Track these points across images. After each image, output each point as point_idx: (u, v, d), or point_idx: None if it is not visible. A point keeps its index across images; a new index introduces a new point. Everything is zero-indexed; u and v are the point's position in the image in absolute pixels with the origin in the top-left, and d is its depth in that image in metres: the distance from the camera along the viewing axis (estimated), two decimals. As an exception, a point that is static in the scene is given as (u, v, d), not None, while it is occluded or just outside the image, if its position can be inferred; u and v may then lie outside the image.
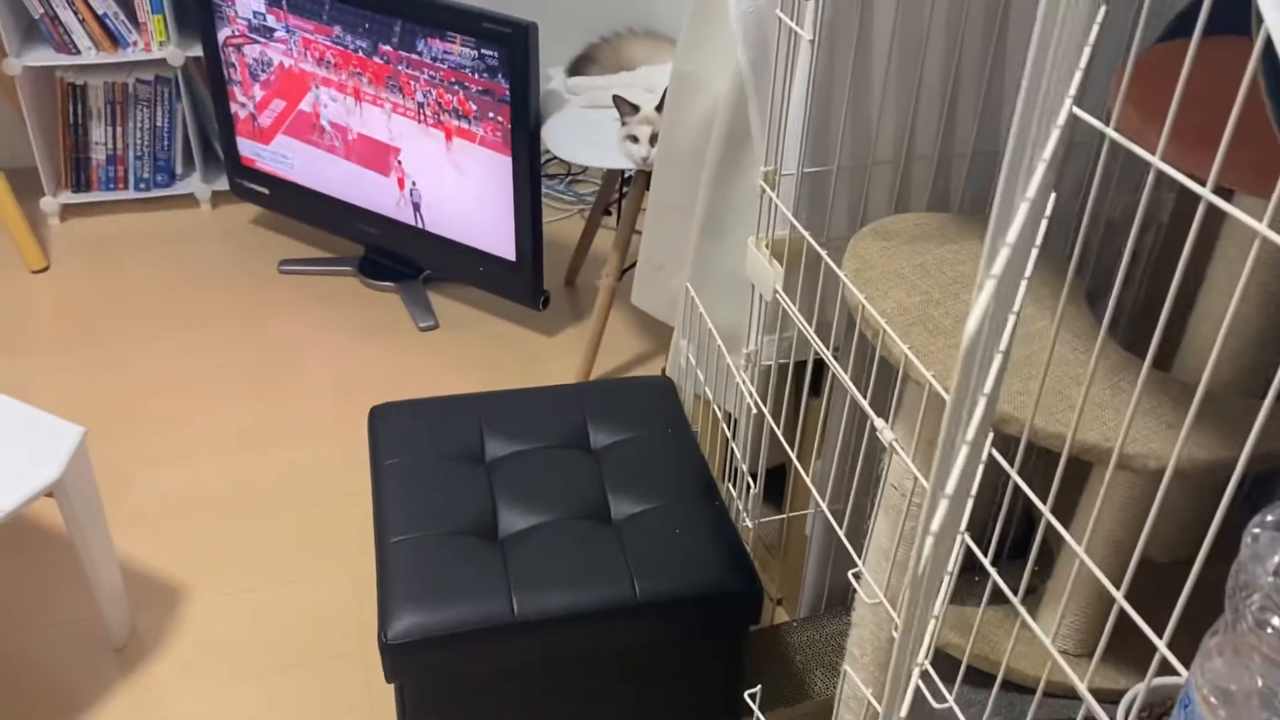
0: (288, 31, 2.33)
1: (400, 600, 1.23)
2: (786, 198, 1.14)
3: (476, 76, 2.10)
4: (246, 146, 2.56)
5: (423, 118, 2.23)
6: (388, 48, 2.20)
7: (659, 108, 1.89)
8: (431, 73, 2.16)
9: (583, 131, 2.09)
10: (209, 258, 2.61)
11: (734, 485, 1.45)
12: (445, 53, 2.13)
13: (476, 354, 2.34)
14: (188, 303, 2.45)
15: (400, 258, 2.52)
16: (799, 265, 1.14)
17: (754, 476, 1.35)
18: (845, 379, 1.01)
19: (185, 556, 1.84)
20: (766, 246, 1.16)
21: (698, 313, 1.55)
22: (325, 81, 2.34)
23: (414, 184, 2.33)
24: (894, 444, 0.95)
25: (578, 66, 2.29)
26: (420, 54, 2.16)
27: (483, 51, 2.07)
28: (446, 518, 1.33)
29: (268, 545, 1.87)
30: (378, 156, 2.35)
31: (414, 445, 1.43)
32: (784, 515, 1.56)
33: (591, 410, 1.50)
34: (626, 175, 2.35)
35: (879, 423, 0.95)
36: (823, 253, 1.06)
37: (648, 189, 1.81)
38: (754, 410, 1.33)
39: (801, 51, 1.01)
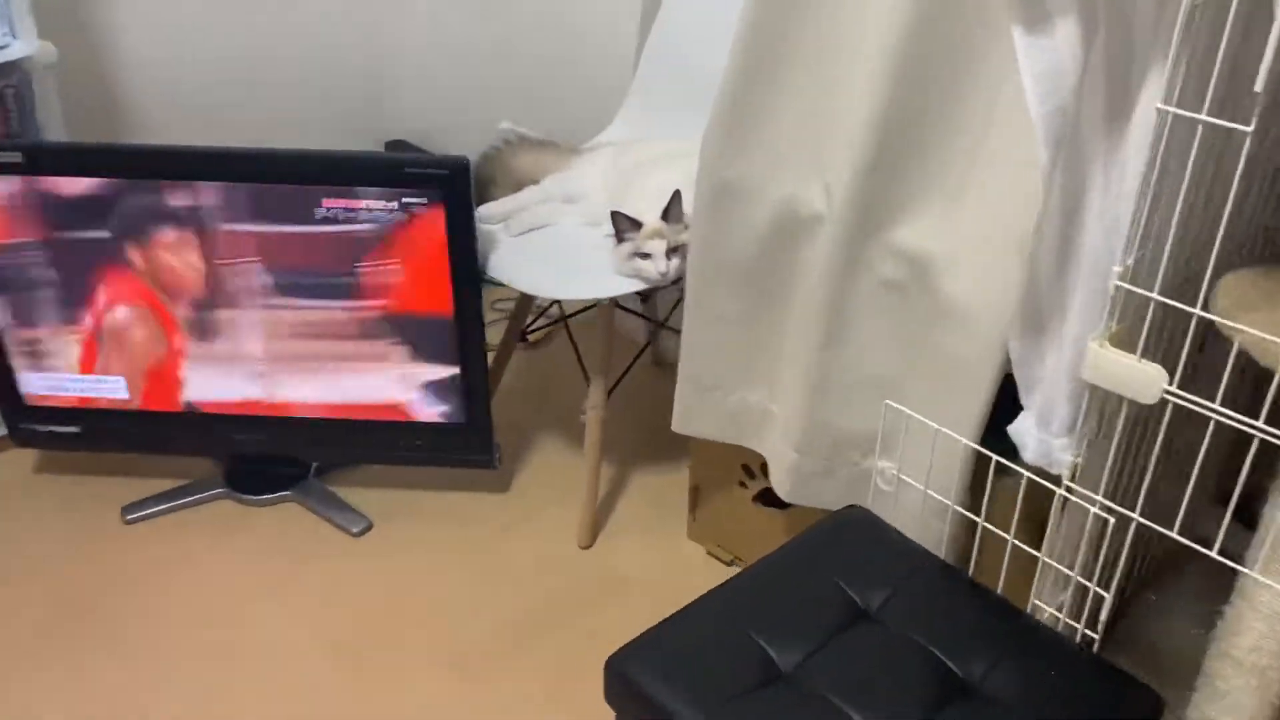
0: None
1: (654, 644, 1.20)
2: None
3: (391, 233, 1.78)
4: (35, 381, 1.97)
5: (328, 293, 1.85)
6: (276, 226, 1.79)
7: (664, 217, 1.72)
8: (332, 241, 1.80)
9: (547, 262, 1.85)
10: (17, 529, 1.99)
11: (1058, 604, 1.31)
12: (348, 213, 1.78)
13: (441, 543, 2.00)
14: (27, 597, 1.85)
15: (287, 458, 2.08)
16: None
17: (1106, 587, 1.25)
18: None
19: None
20: (1115, 346, 1.09)
21: (913, 425, 1.43)
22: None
23: (319, 366, 1.93)
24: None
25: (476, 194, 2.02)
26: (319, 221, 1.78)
27: (404, 201, 1.76)
28: (768, 621, 1.22)
29: None
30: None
31: (695, 686, 1.18)
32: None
33: (832, 571, 1.33)
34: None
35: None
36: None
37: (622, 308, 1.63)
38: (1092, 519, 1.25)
39: (1236, 145, 0.94)
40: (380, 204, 1.77)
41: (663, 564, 1.96)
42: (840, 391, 1.53)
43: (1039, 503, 1.29)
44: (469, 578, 1.92)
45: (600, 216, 1.93)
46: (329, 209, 1.77)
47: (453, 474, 2.12)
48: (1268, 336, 1.00)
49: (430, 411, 1.95)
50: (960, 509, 1.40)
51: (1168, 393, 1.07)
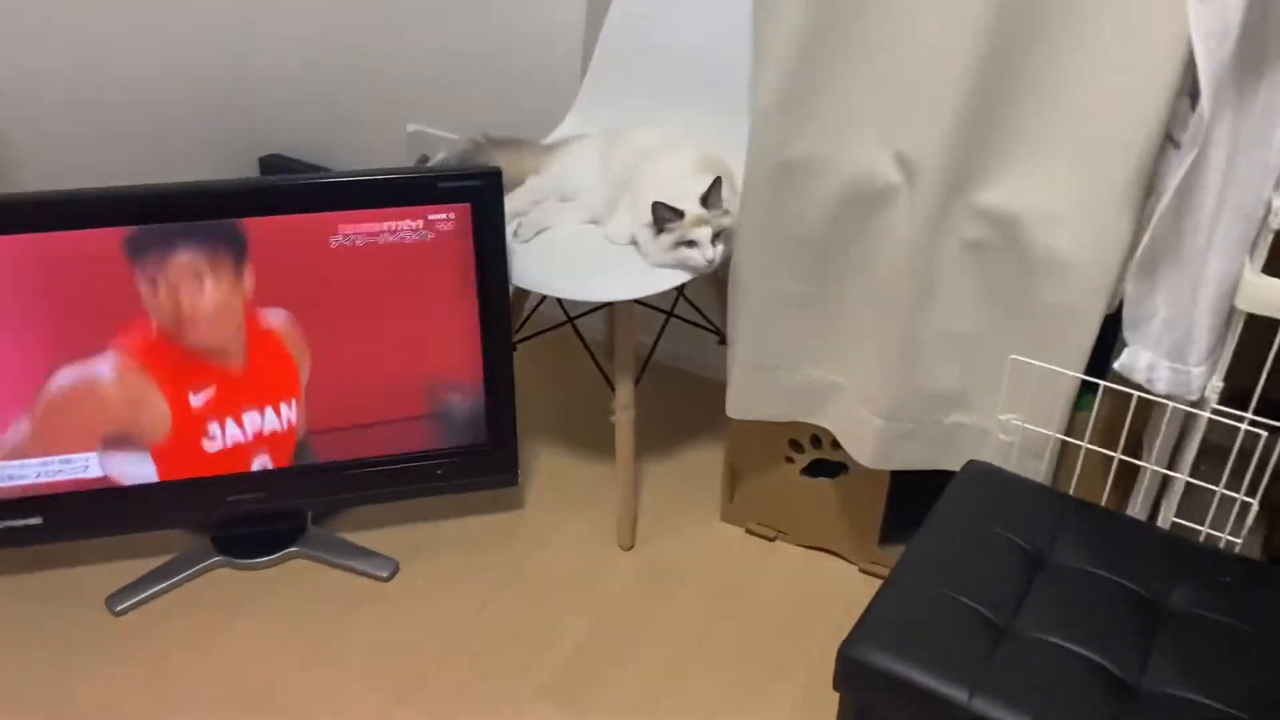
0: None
1: (877, 624, 1.24)
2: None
3: (420, 255, 1.66)
4: (-14, 475, 1.70)
5: (345, 324, 1.71)
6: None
7: (704, 202, 1.70)
8: (351, 268, 1.66)
9: (574, 265, 1.79)
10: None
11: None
12: (369, 237, 1.65)
13: (478, 570, 1.90)
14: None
15: (285, 512, 1.91)
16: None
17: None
18: None
19: None
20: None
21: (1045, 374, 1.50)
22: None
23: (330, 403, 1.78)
24: None
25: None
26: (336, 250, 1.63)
27: (431, 218, 1.65)
28: (966, 583, 1.28)
29: None
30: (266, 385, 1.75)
31: (937, 658, 1.20)
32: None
33: (991, 524, 1.39)
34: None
35: None
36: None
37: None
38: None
39: None
40: (405, 224, 1.64)
41: (706, 550, 1.96)
42: (928, 353, 1.59)
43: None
44: (520, 600, 1.84)
45: (601, 212, 1.89)
46: (345, 235, 1.63)
47: (463, 498, 2.02)
48: None
49: (453, 436, 1.85)
50: (1095, 447, 1.48)
51: (1330, 312, 1.20)
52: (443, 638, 1.77)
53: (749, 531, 2.00)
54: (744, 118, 1.87)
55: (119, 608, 1.79)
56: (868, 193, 1.55)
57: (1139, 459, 1.48)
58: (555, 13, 2.19)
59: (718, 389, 1.88)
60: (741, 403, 1.77)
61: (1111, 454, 1.45)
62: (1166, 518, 1.43)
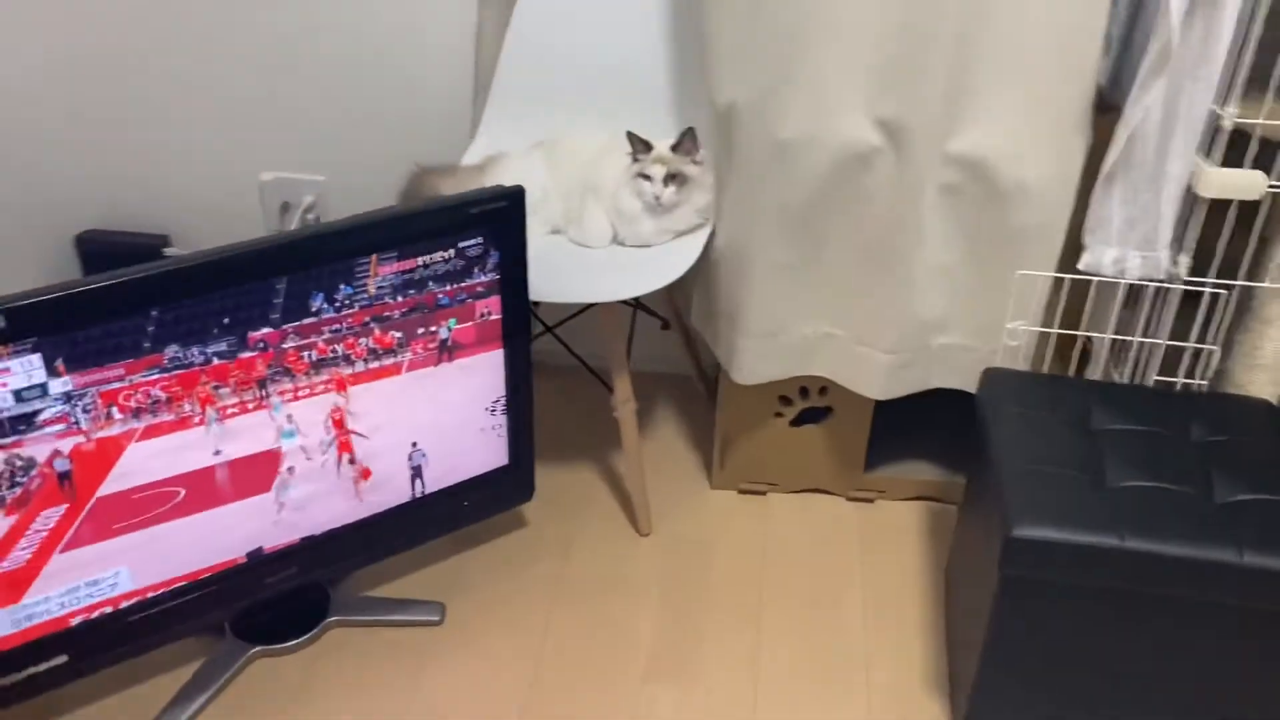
0: (68, 401, 1.42)
1: (1023, 508, 1.45)
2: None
3: (441, 287, 1.66)
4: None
5: (378, 370, 1.66)
6: (265, 330, 1.54)
7: (674, 148, 1.83)
8: (338, 325, 1.62)
9: (553, 271, 1.83)
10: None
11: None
12: (404, 275, 1.62)
13: (524, 593, 1.91)
14: None
15: (306, 586, 1.82)
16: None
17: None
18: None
19: None
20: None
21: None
22: (150, 431, 1.52)
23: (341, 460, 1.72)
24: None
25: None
26: (320, 311, 1.58)
27: (460, 246, 1.65)
28: (1056, 460, 1.54)
29: None
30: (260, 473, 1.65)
31: (1082, 518, 1.44)
32: None
33: (1040, 413, 1.65)
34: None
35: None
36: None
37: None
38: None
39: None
40: (438, 257, 1.63)
41: (715, 517, 2.09)
42: (920, 289, 1.82)
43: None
44: (576, 608, 1.88)
45: (561, 221, 1.96)
46: (382, 279, 1.60)
47: (483, 526, 2.01)
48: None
49: (479, 462, 1.85)
50: (1096, 334, 1.78)
51: (1273, 187, 1.56)
52: (524, 659, 1.77)
53: (742, 491, 2.15)
54: (659, 119, 2.03)
55: (171, 732, 1.63)
56: (853, 158, 1.75)
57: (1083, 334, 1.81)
58: (429, 43, 2.20)
59: (661, 380, 2.00)
60: (748, 369, 1.92)
61: (1144, 339, 1.76)
62: (1149, 377, 1.77)
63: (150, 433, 1.49)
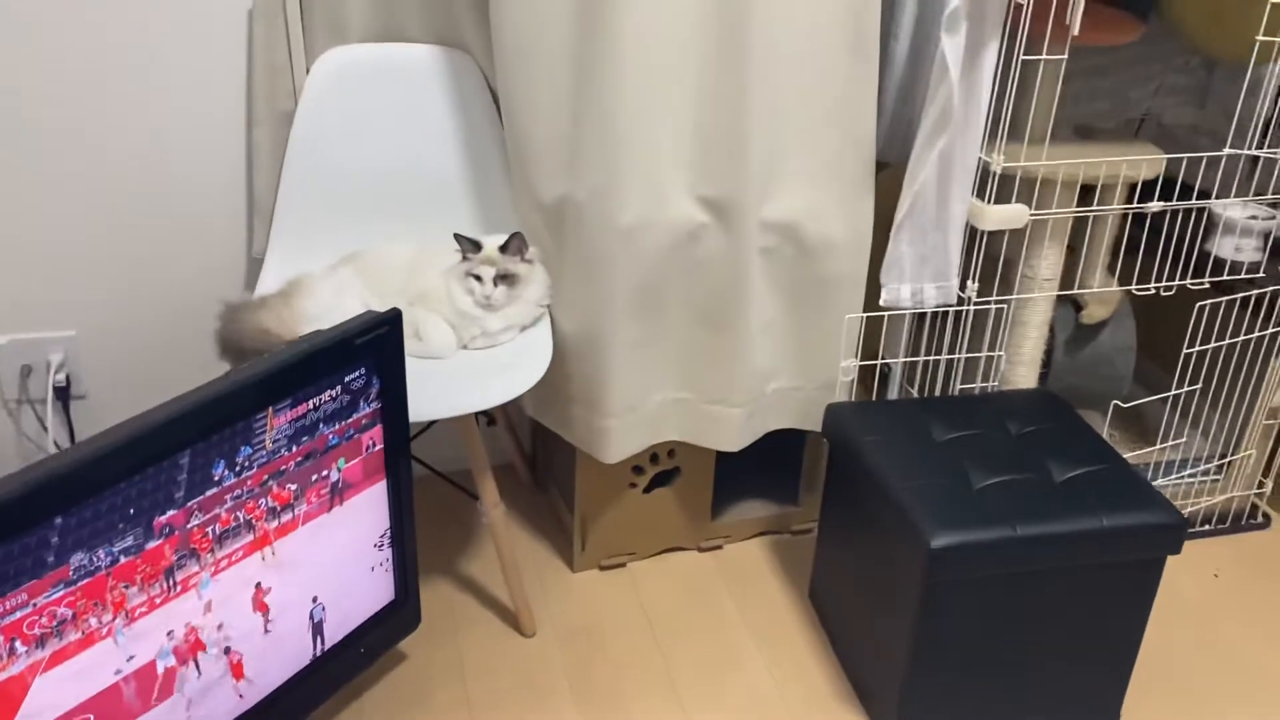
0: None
1: (927, 521, 1.65)
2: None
3: (330, 427, 1.58)
4: None
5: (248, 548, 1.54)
6: (170, 512, 1.40)
7: (503, 249, 1.86)
8: (239, 490, 1.51)
9: (420, 389, 1.80)
10: None
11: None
12: (296, 423, 1.52)
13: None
14: None
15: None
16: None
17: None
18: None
19: None
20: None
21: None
22: (56, 657, 1.32)
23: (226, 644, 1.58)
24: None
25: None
26: (222, 480, 1.46)
27: (346, 380, 1.58)
28: (922, 474, 1.76)
29: None
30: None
31: (958, 518, 1.66)
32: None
33: (895, 438, 1.86)
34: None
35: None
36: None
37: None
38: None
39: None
40: (327, 396, 1.55)
41: (586, 600, 2.12)
42: (754, 345, 1.98)
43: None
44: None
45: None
46: (277, 431, 1.49)
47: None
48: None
49: (371, 602, 1.76)
50: (897, 360, 2.02)
51: (1034, 215, 1.89)
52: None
53: (603, 568, 2.19)
54: (458, 217, 2.06)
55: None
56: (685, 236, 1.88)
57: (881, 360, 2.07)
58: (189, 171, 2.06)
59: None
60: (617, 448, 1.98)
61: (937, 359, 2.02)
62: (955, 388, 2.05)
63: (56, 659, 1.29)
